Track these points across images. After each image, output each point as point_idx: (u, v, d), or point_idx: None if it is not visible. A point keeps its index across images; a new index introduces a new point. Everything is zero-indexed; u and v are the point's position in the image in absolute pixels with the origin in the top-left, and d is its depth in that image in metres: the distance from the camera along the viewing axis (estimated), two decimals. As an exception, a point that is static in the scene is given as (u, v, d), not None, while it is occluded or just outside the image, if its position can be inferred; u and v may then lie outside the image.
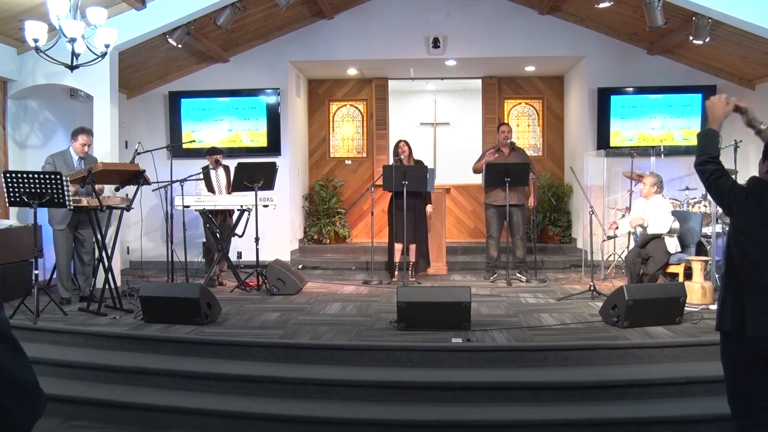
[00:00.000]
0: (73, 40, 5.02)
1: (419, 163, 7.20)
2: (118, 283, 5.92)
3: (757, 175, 2.57)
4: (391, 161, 7.51)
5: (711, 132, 2.59)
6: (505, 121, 9.14)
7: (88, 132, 5.96)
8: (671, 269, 5.90)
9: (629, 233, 6.58)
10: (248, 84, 8.65)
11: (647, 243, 5.91)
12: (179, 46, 6.96)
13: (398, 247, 7.08)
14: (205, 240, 7.20)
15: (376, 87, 9.85)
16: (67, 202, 4.94)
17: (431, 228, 7.74)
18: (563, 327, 4.77)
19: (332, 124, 10.05)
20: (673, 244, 5.84)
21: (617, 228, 6.38)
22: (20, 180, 4.84)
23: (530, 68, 9.22)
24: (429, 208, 7.26)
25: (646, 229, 5.95)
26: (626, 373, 3.98)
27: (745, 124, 2.64)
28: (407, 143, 7.22)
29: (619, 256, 7.47)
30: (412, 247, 7.02)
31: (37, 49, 5.12)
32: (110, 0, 6.05)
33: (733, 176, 6.39)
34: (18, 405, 1.22)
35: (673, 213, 5.99)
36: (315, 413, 3.62)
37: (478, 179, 7.61)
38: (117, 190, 6.24)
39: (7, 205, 5.11)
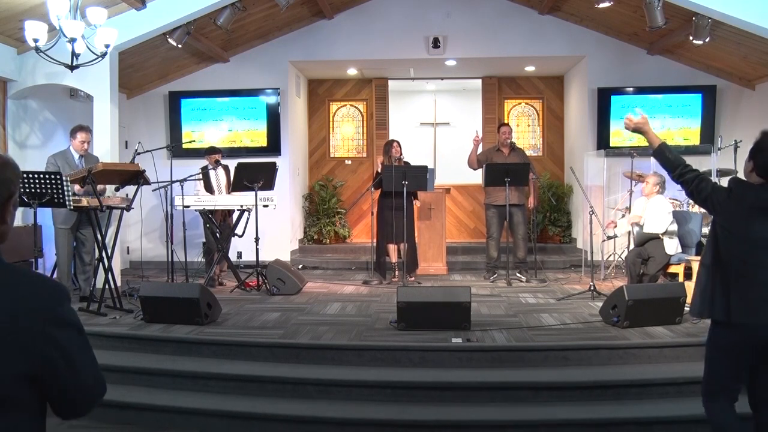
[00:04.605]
0: (73, 40, 5.02)
1: (407, 164, 7.18)
2: (118, 283, 5.91)
3: (741, 175, 2.77)
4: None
5: (665, 145, 2.85)
6: (506, 122, 9.14)
7: (86, 129, 5.93)
8: (671, 269, 5.88)
9: (629, 233, 6.57)
10: (248, 84, 8.64)
11: (645, 242, 5.90)
12: (179, 46, 6.96)
13: (393, 247, 7.08)
14: (205, 240, 7.20)
15: (376, 87, 9.85)
16: (67, 202, 4.93)
17: (431, 228, 7.74)
18: (563, 327, 4.77)
19: (332, 124, 10.05)
20: (673, 245, 5.82)
21: (615, 227, 6.37)
22: (20, 180, 4.82)
23: (530, 68, 9.22)
24: (416, 203, 7.34)
25: (642, 228, 5.94)
26: (626, 373, 3.98)
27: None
28: (399, 144, 7.20)
29: (619, 256, 7.46)
30: (403, 246, 7.01)
31: (37, 49, 5.12)
32: (110, 0, 6.06)
33: (734, 175, 6.46)
34: (83, 397, 1.42)
35: (674, 213, 5.98)
36: (315, 413, 3.63)
37: (478, 179, 7.60)
38: (117, 190, 6.24)
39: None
